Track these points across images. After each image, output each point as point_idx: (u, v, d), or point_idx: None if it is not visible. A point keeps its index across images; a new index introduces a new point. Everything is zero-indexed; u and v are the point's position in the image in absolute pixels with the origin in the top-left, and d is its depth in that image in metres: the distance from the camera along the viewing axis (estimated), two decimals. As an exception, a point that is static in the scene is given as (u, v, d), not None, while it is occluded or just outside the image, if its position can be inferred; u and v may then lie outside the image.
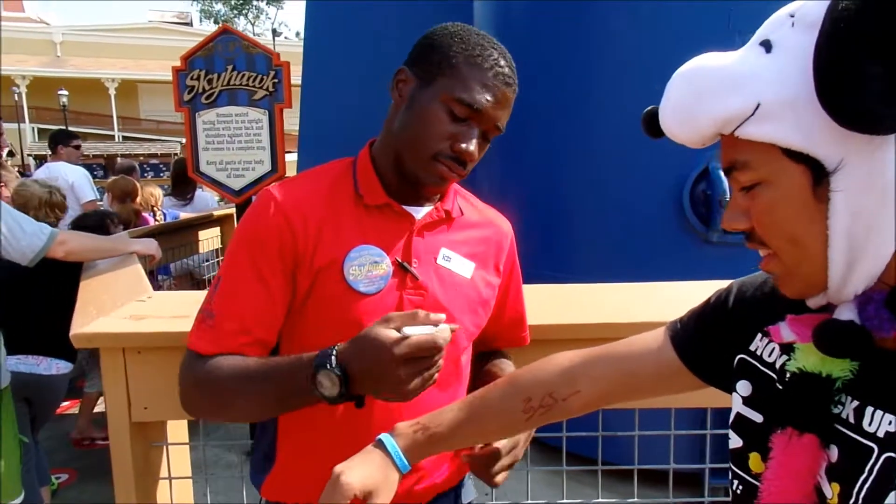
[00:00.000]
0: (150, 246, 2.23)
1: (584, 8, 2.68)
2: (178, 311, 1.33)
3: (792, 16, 0.55)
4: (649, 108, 0.64)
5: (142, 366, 1.27)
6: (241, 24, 42.64)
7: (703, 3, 2.41)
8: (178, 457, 1.41)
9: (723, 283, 0.92)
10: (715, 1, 2.39)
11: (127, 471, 1.31)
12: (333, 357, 0.79)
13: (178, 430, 1.42)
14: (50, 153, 4.63)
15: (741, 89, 0.54)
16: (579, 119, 2.76)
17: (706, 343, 0.76)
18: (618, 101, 2.61)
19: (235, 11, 41.39)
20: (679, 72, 0.59)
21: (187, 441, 1.44)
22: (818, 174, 0.53)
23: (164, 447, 1.36)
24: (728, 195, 2.44)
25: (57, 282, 2.15)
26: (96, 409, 3.42)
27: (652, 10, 2.52)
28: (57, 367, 2.33)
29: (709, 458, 1.48)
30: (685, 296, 1.01)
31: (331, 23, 4.06)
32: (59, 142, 4.46)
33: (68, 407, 3.45)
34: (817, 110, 0.50)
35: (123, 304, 1.41)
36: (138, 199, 3.77)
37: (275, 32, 25.67)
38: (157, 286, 3.60)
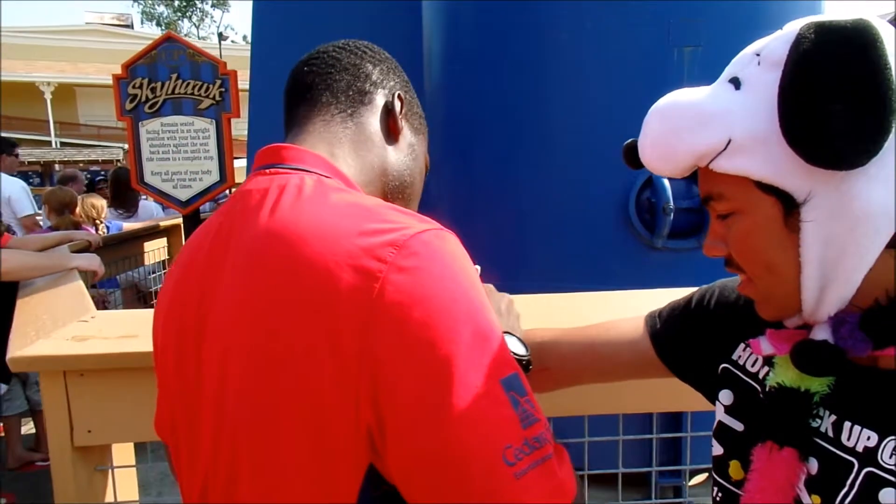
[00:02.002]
0: (93, 262, 2.16)
1: (533, 10, 2.72)
2: (123, 331, 1.29)
3: (758, 54, 0.57)
4: (629, 140, 0.66)
5: (85, 388, 1.23)
6: (185, 28, 41.61)
7: (645, 15, 2.49)
8: (124, 480, 1.37)
9: (671, 292, 0.95)
10: (655, 8, 2.47)
11: (70, 497, 1.26)
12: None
13: (123, 452, 1.38)
14: None
15: (713, 125, 0.56)
16: (526, 125, 2.80)
17: (686, 345, 0.78)
18: (566, 107, 2.67)
19: (179, 14, 40.37)
20: (655, 108, 0.61)
21: (133, 463, 1.40)
22: (788, 205, 0.55)
23: (110, 471, 1.32)
24: (672, 203, 2.53)
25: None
26: (24, 431, 3.27)
27: (596, 16, 2.59)
28: (-10, 389, 2.23)
29: (656, 460, 1.54)
30: (635, 305, 1.04)
31: (278, 25, 4.01)
32: (3, 150, 3.96)
33: (2, 429, 3.29)
34: (784, 145, 0.53)
35: (65, 325, 1.36)
36: (78, 211, 3.63)
37: (220, 36, 25.10)
38: (101, 300, 3.48)
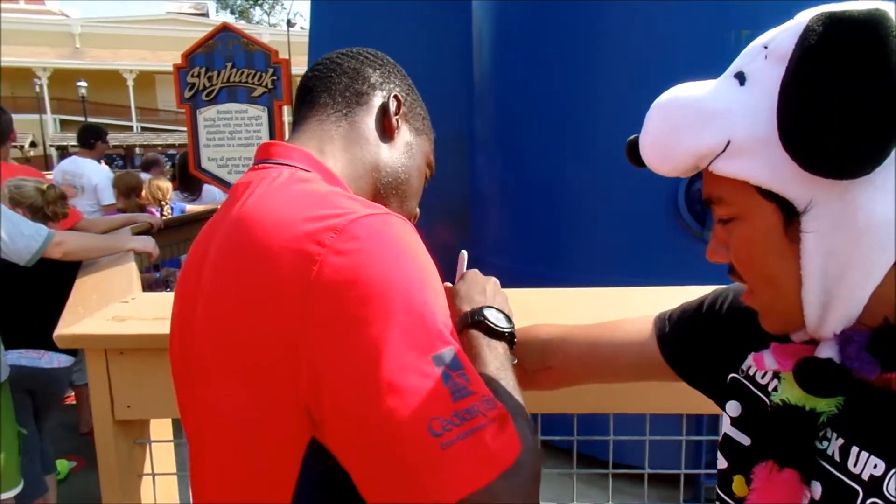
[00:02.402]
0: (148, 244, 2.27)
1: (584, 8, 2.67)
2: (159, 313, 1.35)
3: (766, 47, 0.53)
4: (631, 137, 0.63)
5: (124, 366, 1.30)
6: (257, 15, 42.82)
7: (701, 1, 2.38)
8: (163, 454, 1.45)
9: (689, 290, 0.90)
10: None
11: (111, 467, 1.35)
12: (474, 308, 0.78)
13: (162, 428, 1.46)
14: (78, 145, 4.39)
15: (713, 125, 0.53)
16: (577, 118, 2.75)
17: (695, 350, 0.75)
18: (616, 100, 2.60)
19: (251, 2, 41.57)
20: (657, 103, 0.58)
21: (171, 439, 1.48)
22: (789, 213, 0.51)
23: (148, 444, 1.39)
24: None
25: (58, 278, 2.19)
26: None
27: (650, 8, 2.50)
28: (58, 360, 2.39)
29: (701, 461, 1.49)
30: (653, 303, 1.00)
31: (335, 17, 4.09)
32: (99, 137, 4.26)
33: (74, 397, 3.54)
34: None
35: (108, 305, 1.44)
36: (144, 193, 3.82)
37: (289, 23, 25.72)
38: (164, 279, 3.67)
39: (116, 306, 1.42)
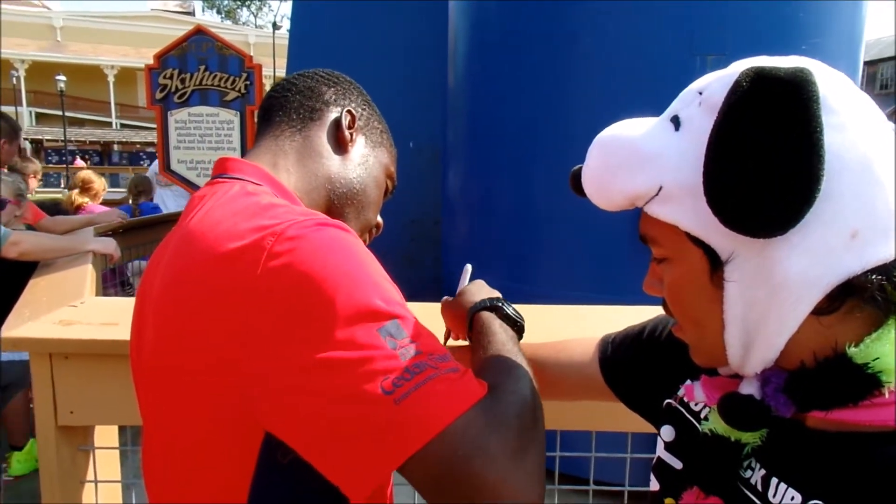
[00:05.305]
0: (109, 245, 2.24)
1: (556, 14, 2.69)
2: (107, 318, 1.34)
3: (700, 93, 0.54)
4: (575, 167, 0.64)
5: (69, 371, 1.28)
6: (244, 16, 42.59)
7: (668, 21, 2.43)
8: (107, 461, 1.43)
9: (649, 310, 0.92)
10: (678, 14, 2.41)
11: (52, 473, 1.32)
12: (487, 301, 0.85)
13: (108, 434, 1.43)
14: None
15: (647, 169, 0.54)
16: (552, 123, 2.76)
17: (634, 374, 0.77)
18: (592, 107, 2.61)
19: (238, 3, 41.34)
20: (598, 139, 0.60)
21: (116, 445, 1.46)
22: (714, 261, 0.53)
23: (91, 451, 1.37)
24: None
25: (14, 276, 2.16)
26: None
27: (624, 29, 2.53)
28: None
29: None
30: (608, 321, 1.02)
31: (315, 19, 4.08)
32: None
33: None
34: None
35: (58, 308, 1.42)
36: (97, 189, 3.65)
37: (275, 26, 25.60)
38: (127, 282, 3.61)
39: (65, 310, 1.40)
